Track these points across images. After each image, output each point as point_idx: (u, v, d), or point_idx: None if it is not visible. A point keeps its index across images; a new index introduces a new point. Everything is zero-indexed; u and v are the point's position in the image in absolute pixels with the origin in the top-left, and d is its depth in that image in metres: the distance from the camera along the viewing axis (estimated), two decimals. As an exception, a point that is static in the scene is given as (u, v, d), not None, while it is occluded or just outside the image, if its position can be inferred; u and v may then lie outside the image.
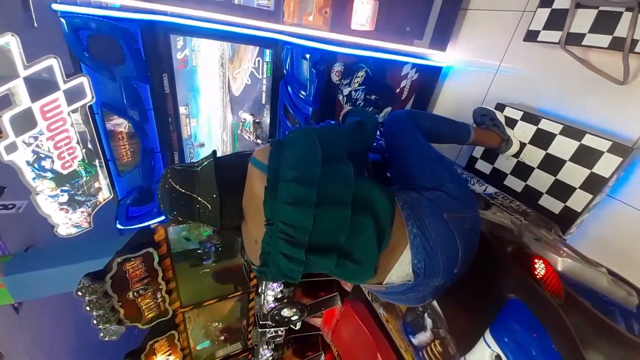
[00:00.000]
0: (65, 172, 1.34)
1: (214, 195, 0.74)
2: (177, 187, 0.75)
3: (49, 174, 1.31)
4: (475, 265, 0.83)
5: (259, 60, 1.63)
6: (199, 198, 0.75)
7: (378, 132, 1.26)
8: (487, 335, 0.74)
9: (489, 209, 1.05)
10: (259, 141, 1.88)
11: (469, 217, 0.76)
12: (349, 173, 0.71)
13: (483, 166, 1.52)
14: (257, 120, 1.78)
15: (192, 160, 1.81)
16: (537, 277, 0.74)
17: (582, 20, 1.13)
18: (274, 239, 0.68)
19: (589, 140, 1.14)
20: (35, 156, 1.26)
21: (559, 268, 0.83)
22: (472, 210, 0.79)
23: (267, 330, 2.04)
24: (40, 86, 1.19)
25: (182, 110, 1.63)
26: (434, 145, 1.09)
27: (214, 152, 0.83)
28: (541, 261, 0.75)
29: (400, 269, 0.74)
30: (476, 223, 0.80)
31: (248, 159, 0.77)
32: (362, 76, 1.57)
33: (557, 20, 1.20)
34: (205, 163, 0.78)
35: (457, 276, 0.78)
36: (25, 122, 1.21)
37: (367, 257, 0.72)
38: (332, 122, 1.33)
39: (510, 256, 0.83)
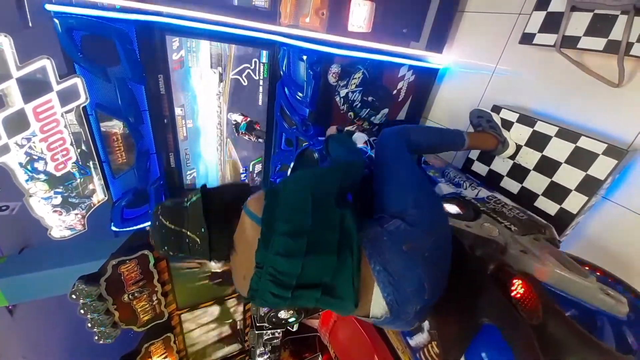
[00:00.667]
0: (58, 173, 1.32)
1: (202, 230, 0.78)
2: (167, 223, 0.80)
3: (42, 176, 1.29)
4: (455, 286, 0.85)
5: (255, 62, 1.62)
6: (188, 233, 0.79)
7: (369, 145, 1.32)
8: None
9: (478, 219, 1.03)
10: (260, 140, 1.87)
11: (429, 243, 0.78)
12: (337, 220, 0.76)
13: (479, 168, 1.53)
14: (250, 120, 1.76)
15: (187, 162, 1.80)
16: (515, 297, 0.73)
17: (577, 23, 1.13)
18: (262, 280, 0.72)
19: (584, 143, 1.14)
20: (28, 158, 1.24)
21: (545, 280, 0.84)
22: (433, 234, 0.80)
23: (264, 332, 2.02)
24: (33, 87, 1.18)
25: (177, 111, 1.62)
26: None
27: (203, 186, 0.87)
28: (519, 281, 0.75)
29: (377, 302, 0.77)
30: (439, 246, 0.82)
31: (239, 202, 0.80)
32: (359, 78, 1.57)
33: (552, 23, 1.21)
34: (194, 199, 0.82)
35: (433, 300, 0.81)
36: (18, 123, 1.19)
37: (346, 293, 0.75)
38: (319, 145, 1.33)
39: (488, 277, 0.82)
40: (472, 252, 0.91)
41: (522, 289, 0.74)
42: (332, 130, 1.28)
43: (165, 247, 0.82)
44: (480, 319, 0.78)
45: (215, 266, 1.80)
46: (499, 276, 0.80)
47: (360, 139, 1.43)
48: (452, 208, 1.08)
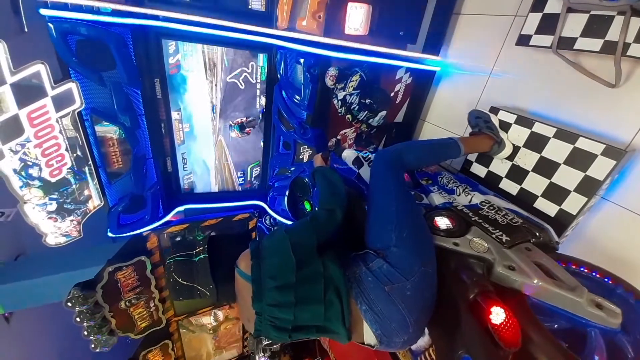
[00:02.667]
0: (53, 179, 1.30)
1: (211, 287, 0.95)
2: (180, 280, 0.98)
3: (37, 182, 1.27)
4: (439, 314, 0.88)
5: (252, 65, 1.61)
6: (199, 287, 0.96)
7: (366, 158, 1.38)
8: None
9: (467, 233, 1.02)
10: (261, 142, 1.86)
11: (409, 283, 0.83)
12: (320, 271, 0.84)
13: (478, 169, 1.52)
14: (241, 122, 1.76)
15: (184, 166, 1.78)
16: (492, 326, 0.73)
17: (573, 25, 1.14)
18: (264, 324, 0.82)
19: (582, 144, 1.14)
20: (23, 164, 1.23)
21: (533, 295, 0.84)
22: (412, 274, 0.85)
23: (263, 337, 2.01)
24: (27, 92, 1.16)
25: (174, 115, 1.60)
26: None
27: (210, 240, 1.00)
28: (498, 308, 0.74)
29: (368, 335, 0.85)
30: (422, 281, 0.86)
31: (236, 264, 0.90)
32: (356, 80, 1.57)
33: (548, 24, 1.21)
34: (202, 256, 0.97)
35: (419, 330, 0.88)
36: (12, 129, 1.17)
37: (339, 330, 0.83)
38: (308, 172, 1.35)
39: (468, 306, 0.82)
40: (456, 276, 0.91)
41: (502, 316, 0.73)
42: (317, 160, 1.30)
43: (180, 298, 1.01)
44: (458, 351, 0.80)
45: None
46: (481, 302, 0.80)
47: (349, 157, 1.43)
48: (442, 222, 1.07)
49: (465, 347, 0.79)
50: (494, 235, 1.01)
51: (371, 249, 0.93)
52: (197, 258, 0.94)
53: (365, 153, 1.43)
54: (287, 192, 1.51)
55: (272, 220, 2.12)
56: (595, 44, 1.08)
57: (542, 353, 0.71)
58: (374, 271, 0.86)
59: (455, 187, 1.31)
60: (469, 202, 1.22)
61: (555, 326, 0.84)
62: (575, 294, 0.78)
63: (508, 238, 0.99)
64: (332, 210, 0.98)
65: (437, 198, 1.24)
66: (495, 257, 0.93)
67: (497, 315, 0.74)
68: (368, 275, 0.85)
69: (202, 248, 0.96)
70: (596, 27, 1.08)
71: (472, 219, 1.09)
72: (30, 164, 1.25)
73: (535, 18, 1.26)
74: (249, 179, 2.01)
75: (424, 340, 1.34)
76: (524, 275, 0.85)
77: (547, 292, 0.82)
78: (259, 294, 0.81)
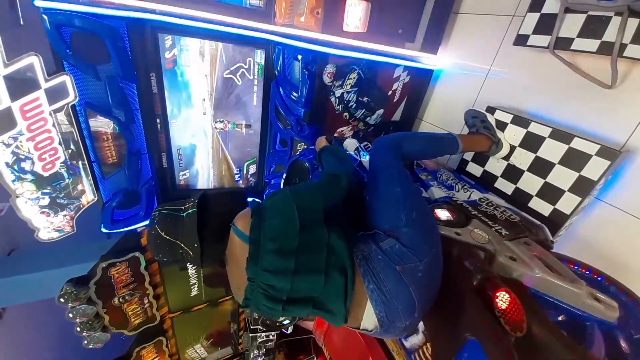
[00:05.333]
0: (46, 174, 1.28)
1: (195, 245, 0.83)
2: (162, 234, 0.84)
3: (29, 176, 1.25)
4: (443, 299, 0.87)
5: (250, 61, 1.60)
6: (182, 245, 0.83)
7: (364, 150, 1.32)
8: None
9: (468, 225, 1.02)
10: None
11: (421, 264, 0.81)
12: (324, 238, 0.79)
13: (474, 169, 1.53)
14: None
15: (180, 162, 1.77)
16: (499, 310, 0.74)
17: (571, 25, 1.14)
18: (255, 292, 0.77)
19: (577, 144, 1.15)
20: (15, 157, 1.21)
21: (533, 286, 0.85)
22: (426, 254, 0.83)
23: (258, 334, 2.00)
24: (20, 85, 1.14)
25: (170, 110, 1.59)
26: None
27: (201, 196, 0.91)
28: (504, 293, 0.75)
29: (369, 317, 0.81)
30: (432, 264, 0.84)
31: (234, 217, 0.83)
32: (354, 78, 1.56)
33: (546, 24, 1.21)
34: (190, 211, 0.86)
35: (422, 315, 0.85)
36: (4, 122, 1.15)
37: (337, 309, 0.79)
38: (309, 155, 1.33)
39: (473, 291, 0.83)
40: (459, 263, 0.91)
41: (507, 301, 0.74)
42: (321, 141, 1.29)
43: (160, 255, 0.87)
44: (464, 333, 0.79)
45: None
46: (486, 287, 0.80)
47: (351, 145, 1.42)
48: (442, 214, 1.07)
49: (471, 330, 0.78)
50: (493, 229, 1.01)
51: (380, 230, 0.89)
52: (185, 213, 0.85)
53: (366, 147, 1.43)
54: (283, 176, 1.49)
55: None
56: (592, 44, 1.09)
57: (545, 339, 0.71)
58: (385, 250, 0.82)
59: (454, 184, 1.32)
60: (468, 197, 1.23)
61: (554, 320, 0.85)
62: (574, 285, 0.79)
63: (507, 232, 1.00)
64: (337, 175, 0.92)
65: (437, 192, 1.25)
66: (496, 248, 0.93)
67: (503, 300, 0.74)
68: (378, 254, 0.82)
69: (191, 204, 0.89)
70: (593, 27, 1.08)
71: (472, 212, 1.10)
72: (23, 157, 1.23)
73: (533, 18, 1.26)
74: (245, 175, 2.00)
75: (418, 338, 1.34)
76: (525, 266, 0.86)
77: (548, 284, 0.82)
78: (255, 257, 0.75)
